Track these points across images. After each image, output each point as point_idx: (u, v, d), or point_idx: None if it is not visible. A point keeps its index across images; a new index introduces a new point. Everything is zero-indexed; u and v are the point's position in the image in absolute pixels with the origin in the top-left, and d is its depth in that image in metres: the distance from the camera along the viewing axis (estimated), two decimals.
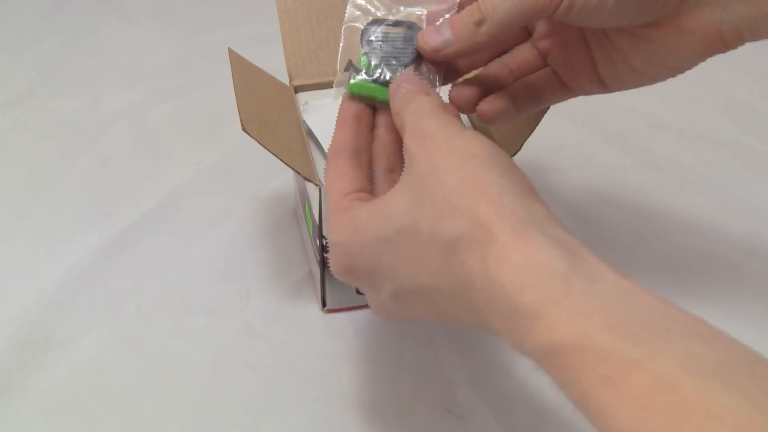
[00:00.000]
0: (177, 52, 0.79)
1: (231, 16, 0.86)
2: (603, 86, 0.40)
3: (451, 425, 0.42)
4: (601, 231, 0.55)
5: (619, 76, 0.39)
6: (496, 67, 0.40)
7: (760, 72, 0.72)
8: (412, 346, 0.47)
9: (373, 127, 0.37)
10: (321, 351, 0.47)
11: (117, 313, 0.49)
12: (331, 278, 0.47)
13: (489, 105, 0.39)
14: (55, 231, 0.56)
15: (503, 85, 0.40)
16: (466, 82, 0.39)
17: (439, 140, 0.30)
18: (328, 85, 0.53)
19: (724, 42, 0.36)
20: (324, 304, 0.49)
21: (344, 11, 0.39)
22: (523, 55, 0.41)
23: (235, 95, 0.43)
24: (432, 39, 0.36)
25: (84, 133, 0.67)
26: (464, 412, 0.43)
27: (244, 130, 0.41)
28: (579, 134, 0.65)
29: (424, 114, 0.32)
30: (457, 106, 0.38)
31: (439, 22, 0.37)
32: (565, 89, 0.41)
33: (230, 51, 0.47)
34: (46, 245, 0.54)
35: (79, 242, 0.54)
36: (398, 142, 0.36)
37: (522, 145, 0.45)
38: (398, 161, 0.35)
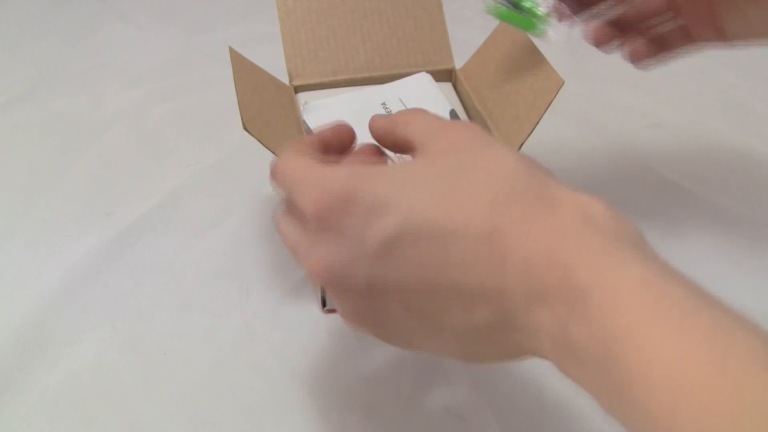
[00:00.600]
0: (177, 52, 0.79)
1: (231, 16, 0.86)
2: (724, 39, 0.43)
3: (451, 425, 0.42)
4: None
5: (736, 32, 0.42)
6: (628, 12, 0.44)
7: (759, 72, 0.72)
8: None
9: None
10: (321, 351, 0.47)
11: (117, 313, 0.49)
12: None
13: (634, 46, 0.44)
14: (55, 231, 0.56)
15: (633, 29, 0.45)
16: (601, 23, 0.44)
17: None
18: (328, 85, 0.53)
19: None
20: (324, 304, 0.49)
21: (344, 11, 0.39)
22: (653, 1, 0.45)
23: (236, 94, 0.43)
24: None
25: (84, 133, 0.67)
26: (464, 412, 0.43)
27: (245, 128, 0.41)
28: (579, 134, 0.65)
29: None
30: (595, 40, 0.44)
31: None
32: (689, 39, 0.45)
33: (231, 50, 0.47)
34: (46, 245, 0.54)
35: (80, 242, 0.54)
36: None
37: (522, 144, 0.45)
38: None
